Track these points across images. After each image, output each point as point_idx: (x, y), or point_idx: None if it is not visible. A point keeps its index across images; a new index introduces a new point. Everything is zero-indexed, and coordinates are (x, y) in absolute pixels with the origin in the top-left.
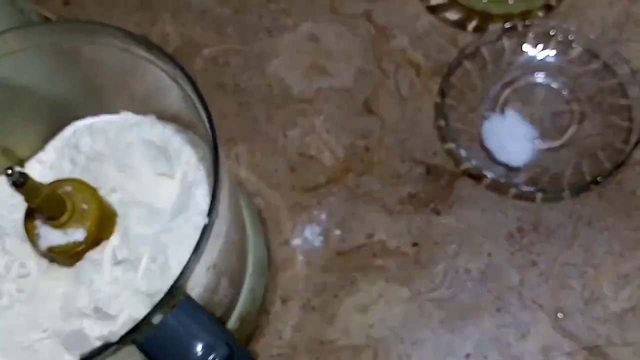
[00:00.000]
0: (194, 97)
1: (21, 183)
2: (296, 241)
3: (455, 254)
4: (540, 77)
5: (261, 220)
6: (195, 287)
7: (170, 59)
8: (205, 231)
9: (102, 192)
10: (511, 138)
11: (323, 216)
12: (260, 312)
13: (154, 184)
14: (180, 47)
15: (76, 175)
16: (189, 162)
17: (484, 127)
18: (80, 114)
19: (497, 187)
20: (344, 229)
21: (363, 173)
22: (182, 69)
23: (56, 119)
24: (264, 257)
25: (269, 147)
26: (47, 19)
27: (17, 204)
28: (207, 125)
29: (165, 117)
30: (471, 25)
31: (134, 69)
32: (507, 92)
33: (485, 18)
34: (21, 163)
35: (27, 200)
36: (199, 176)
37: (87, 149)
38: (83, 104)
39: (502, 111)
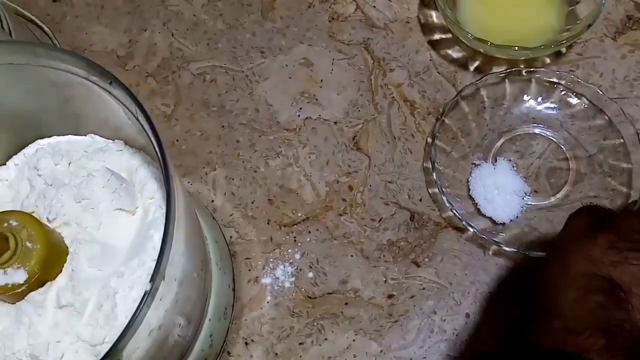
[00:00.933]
0: (152, 138)
1: None
2: (266, 280)
3: (431, 311)
4: (539, 128)
5: (230, 254)
6: (138, 349)
7: (131, 95)
8: (145, 299)
9: (55, 225)
10: (500, 191)
11: (297, 255)
12: (220, 352)
13: (111, 220)
14: (167, 59)
15: (32, 200)
16: (152, 198)
17: (473, 175)
18: (46, 132)
19: (481, 242)
20: (318, 271)
21: (343, 213)
22: (142, 108)
23: (20, 134)
24: (229, 299)
25: (248, 176)
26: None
27: None
28: (165, 178)
29: (134, 145)
30: (473, 65)
31: (99, 96)
32: (502, 140)
33: (489, 59)
34: None
35: None
36: (159, 216)
37: (46, 172)
38: (50, 122)
39: (495, 161)
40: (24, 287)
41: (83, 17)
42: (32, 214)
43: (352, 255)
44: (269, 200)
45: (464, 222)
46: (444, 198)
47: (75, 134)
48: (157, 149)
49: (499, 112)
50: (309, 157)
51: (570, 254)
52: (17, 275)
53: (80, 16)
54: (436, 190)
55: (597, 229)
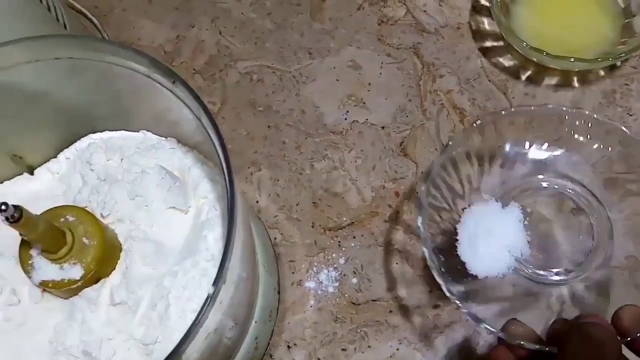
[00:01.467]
0: (214, 139)
1: (16, 219)
2: (310, 283)
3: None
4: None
5: (275, 256)
6: (194, 353)
7: (195, 95)
8: (209, 302)
9: (108, 221)
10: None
11: (341, 260)
12: (263, 355)
13: (165, 218)
14: (215, 56)
15: (84, 194)
16: (205, 197)
17: (465, 215)
18: (98, 127)
19: None
20: (362, 277)
21: (389, 220)
22: (205, 108)
23: (72, 128)
24: (274, 302)
25: (293, 177)
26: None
27: None
28: (228, 186)
29: (187, 143)
30: (525, 74)
31: (158, 94)
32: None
33: (541, 69)
34: (31, 170)
35: (22, 235)
36: (213, 217)
37: (99, 167)
38: (103, 116)
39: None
40: (79, 283)
41: (131, 11)
42: (86, 209)
43: (397, 263)
44: (313, 203)
45: None
46: None
47: (127, 130)
48: (220, 151)
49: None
50: (355, 161)
51: None
52: (73, 271)
53: (127, 10)
54: None
55: None
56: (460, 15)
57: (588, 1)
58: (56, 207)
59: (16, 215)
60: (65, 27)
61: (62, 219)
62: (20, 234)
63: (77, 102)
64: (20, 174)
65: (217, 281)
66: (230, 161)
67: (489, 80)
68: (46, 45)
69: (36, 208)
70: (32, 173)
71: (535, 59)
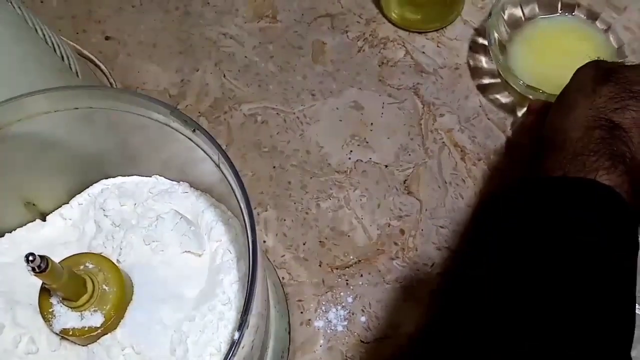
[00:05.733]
0: (236, 188)
1: (42, 269)
2: (319, 322)
3: None
4: None
5: (285, 296)
6: None
7: (215, 143)
8: (234, 349)
9: (123, 266)
10: None
11: (349, 299)
12: None
13: (180, 263)
14: (219, 99)
15: (100, 241)
16: (219, 241)
17: None
18: (110, 172)
19: None
20: (370, 315)
21: (395, 257)
22: (226, 157)
23: (85, 174)
24: (285, 342)
25: (299, 217)
26: (86, 60)
27: None
28: (249, 237)
29: (198, 187)
30: (521, 111)
31: (173, 140)
32: None
33: None
34: (43, 216)
35: (46, 284)
36: (228, 260)
37: (113, 213)
38: (115, 162)
39: None
40: (99, 331)
41: (136, 56)
42: (103, 256)
43: (404, 300)
44: (320, 242)
45: None
46: None
47: (138, 175)
48: (241, 197)
49: None
50: (360, 200)
51: (576, 102)
52: (94, 319)
53: (132, 54)
54: None
55: (602, 81)
56: (458, 55)
57: (583, 42)
58: (75, 254)
59: (42, 266)
60: (77, 75)
61: (82, 267)
62: (44, 283)
63: (90, 149)
64: (32, 221)
65: (242, 326)
66: (252, 206)
67: (488, 119)
68: (67, 96)
69: (51, 255)
70: (44, 219)
71: (531, 97)
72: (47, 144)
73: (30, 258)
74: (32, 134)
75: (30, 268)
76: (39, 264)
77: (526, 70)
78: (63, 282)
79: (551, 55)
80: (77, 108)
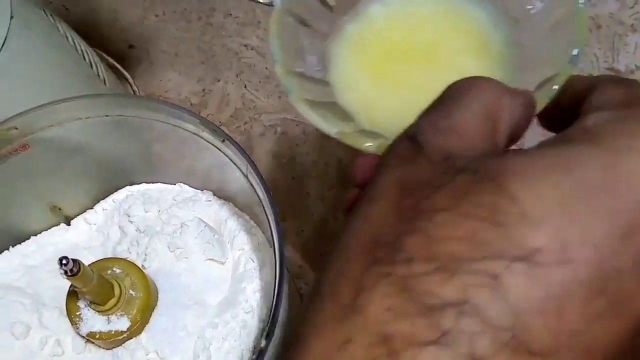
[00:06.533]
0: (263, 199)
1: (74, 273)
2: None
3: None
4: None
5: (302, 305)
6: None
7: (244, 153)
8: (261, 356)
9: (148, 271)
10: None
11: None
12: None
13: (204, 270)
14: (240, 109)
15: (124, 246)
16: (242, 249)
17: None
18: (135, 179)
19: None
20: None
21: None
22: (254, 167)
23: (110, 179)
24: None
25: (318, 228)
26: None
27: (58, 268)
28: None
29: (221, 195)
30: None
31: (200, 149)
32: None
33: None
34: (67, 220)
35: (75, 287)
36: (250, 269)
37: (138, 219)
38: (139, 169)
39: None
40: (125, 335)
41: (158, 64)
42: (130, 261)
43: None
44: None
45: None
46: None
47: (162, 182)
48: (269, 207)
49: None
50: None
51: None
52: (120, 323)
53: (155, 63)
54: None
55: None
56: None
57: (455, 34)
58: (103, 259)
59: (75, 270)
60: (105, 83)
61: (110, 271)
62: (73, 287)
63: (116, 155)
64: (57, 225)
65: (270, 335)
66: (279, 216)
67: None
68: (100, 103)
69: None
70: (68, 223)
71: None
72: (76, 149)
73: (64, 261)
74: (62, 139)
75: (63, 271)
76: (72, 267)
77: (354, 97)
78: (92, 286)
79: (398, 68)
80: (107, 115)
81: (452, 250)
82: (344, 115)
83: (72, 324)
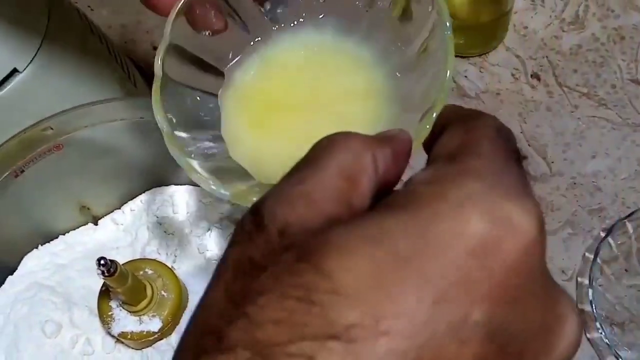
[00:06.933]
0: None
1: (112, 273)
2: None
3: None
4: None
5: None
6: None
7: None
8: None
9: (178, 273)
10: None
11: None
12: None
13: None
14: None
15: (154, 247)
16: None
17: None
18: (162, 180)
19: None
20: None
21: None
22: None
23: (138, 180)
24: None
25: None
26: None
27: (87, 267)
28: None
29: None
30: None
31: None
32: None
33: None
34: (95, 220)
35: (111, 288)
36: None
37: (166, 220)
38: (167, 171)
39: None
40: (156, 336)
41: None
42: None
43: None
44: None
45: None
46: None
47: (189, 184)
48: None
49: None
50: None
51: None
52: (152, 324)
53: None
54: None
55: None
56: (500, 81)
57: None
58: (135, 260)
59: (112, 270)
60: (135, 85)
61: (142, 272)
62: (109, 287)
63: (145, 157)
64: (84, 224)
65: None
66: None
67: (529, 145)
68: (135, 105)
69: None
70: (96, 223)
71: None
72: (106, 150)
73: (102, 262)
74: (95, 140)
75: (100, 271)
76: (109, 268)
77: (242, 152)
78: (127, 286)
79: (278, 119)
80: (142, 118)
81: (269, 334)
82: (242, 172)
83: (104, 324)
